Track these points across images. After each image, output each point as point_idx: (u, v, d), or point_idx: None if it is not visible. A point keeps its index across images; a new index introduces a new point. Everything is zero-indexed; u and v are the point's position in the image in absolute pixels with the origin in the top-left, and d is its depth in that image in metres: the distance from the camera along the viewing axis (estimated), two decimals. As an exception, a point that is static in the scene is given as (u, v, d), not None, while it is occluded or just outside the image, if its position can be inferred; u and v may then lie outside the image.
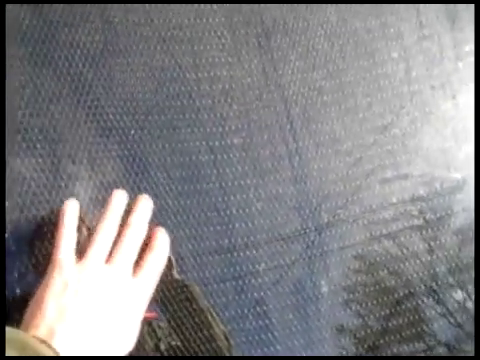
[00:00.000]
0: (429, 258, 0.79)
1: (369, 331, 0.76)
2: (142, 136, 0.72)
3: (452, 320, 0.79)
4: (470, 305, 0.80)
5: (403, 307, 0.77)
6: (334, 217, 0.77)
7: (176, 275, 0.69)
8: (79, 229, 0.63)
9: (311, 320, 0.74)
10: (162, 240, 0.63)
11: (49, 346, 0.52)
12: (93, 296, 0.57)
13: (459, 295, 0.80)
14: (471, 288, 0.80)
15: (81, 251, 0.60)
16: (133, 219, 0.61)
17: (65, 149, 0.69)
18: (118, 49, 0.73)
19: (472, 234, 0.80)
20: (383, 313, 0.76)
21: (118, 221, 0.61)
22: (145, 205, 0.63)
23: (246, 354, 0.71)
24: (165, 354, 0.68)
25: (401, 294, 0.78)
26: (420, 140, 0.82)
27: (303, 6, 0.80)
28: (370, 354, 0.75)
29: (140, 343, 0.66)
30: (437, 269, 0.79)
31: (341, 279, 0.76)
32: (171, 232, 0.69)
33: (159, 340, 0.67)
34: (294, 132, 0.77)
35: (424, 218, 0.80)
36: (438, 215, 0.80)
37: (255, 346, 0.71)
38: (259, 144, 0.76)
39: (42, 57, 0.70)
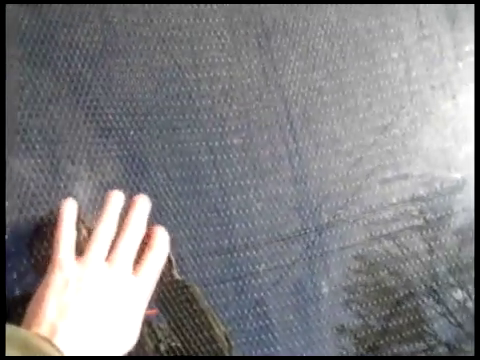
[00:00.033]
0: (429, 258, 0.79)
1: (369, 331, 0.76)
2: (141, 136, 0.71)
3: (452, 320, 0.79)
4: (470, 305, 0.80)
5: (403, 307, 0.77)
6: (334, 217, 0.77)
7: (176, 276, 0.69)
8: (79, 230, 0.63)
9: (311, 320, 0.74)
10: (161, 238, 0.63)
11: (51, 344, 0.52)
12: (94, 294, 0.57)
13: (459, 295, 0.80)
14: (471, 288, 0.80)
15: (81, 251, 0.60)
16: (131, 217, 0.62)
17: (64, 150, 0.69)
18: (117, 49, 0.73)
19: (472, 234, 0.80)
20: (383, 313, 0.76)
21: (116, 220, 0.61)
22: (143, 204, 0.63)
23: (246, 355, 0.71)
24: (165, 355, 0.68)
25: (401, 294, 0.78)
26: (420, 140, 0.82)
27: (303, 6, 0.80)
28: (370, 354, 0.75)
29: (140, 344, 0.65)
30: (437, 269, 0.79)
31: (341, 279, 0.76)
32: (171, 233, 0.69)
33: (159, 341, 0.67)
34: (294, 132, 0.77)
35: (424, 218, 0.80)
36: (438, 215, 0.81)
37: (255, 347, 0.71)
38: (259, 144, 0.76)
39: (41, 57, 0.70)
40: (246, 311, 0.71)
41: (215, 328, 0.69)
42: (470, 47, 0.84)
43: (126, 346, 0.58)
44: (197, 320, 0.69)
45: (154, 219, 0.69)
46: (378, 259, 0.78)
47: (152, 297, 0.63)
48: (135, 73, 0.73)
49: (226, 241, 0.72)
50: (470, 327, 0.79)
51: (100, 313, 0.57)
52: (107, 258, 0.60)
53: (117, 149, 0.70)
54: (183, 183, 0.72)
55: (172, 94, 0.74)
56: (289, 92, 0.78)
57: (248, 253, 0.72)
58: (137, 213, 0.62)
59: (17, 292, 0.63)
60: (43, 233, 0.64)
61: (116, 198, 0.62)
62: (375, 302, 0.76)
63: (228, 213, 0.72)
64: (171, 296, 0.68)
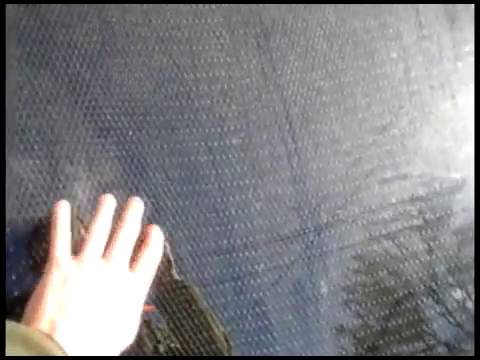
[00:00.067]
0: (428, 258, 0.79)
1: (369, 331, 0.76)
2: (140, 137, 0.71)
3: (452, 320, 0.79)
4: (469, 305, 0.80)
5: (403, 307, 0.77)
6: (333, 217, 0.77)
7: (175, 276, 0.69)
8: (78, 230, 0.63)
9: (310, 321, 0.74)
10: (156, 237, 0.64)
11: (52, 340, 0.52)
12: (93, 290, 0.58)
13: (458, 295, 0.80)
14: (470, 288, 0.80)
15: (77, 250, 0.60)
16: (126, 216, 0.63)
17: (63, 150, 0.68)
18: (116, 49, 0.72)
19: (471, 234, 0.80)
20: (383, 313, 0.76)
21: (110, 219, 0.62)
22: (137, 205, 0.64)
23: (246, 355, 0.71)
24: (164, 356, 0.67)
25: (401, 294, 0.78)
26: (419, 140, 0.82)
27: (302, 6, 0.80)
28: (370, 354, 0.75)
29: (139, 345, 0.66)
30: (436, 269, 0.79)
31: (340, 279, 0.76)
32: (170, 233, 0.69)
33: (158, 342, 0.67)
34: (293, 132, 0.77)
35: (423, 218, 0.80)
36: (437, 215, 0.80)
37: (254, 347, 0.71)
38: (258, 144, 0.76)
39: (39, 58, 0.70)
40: (245, 311, 0.71)
41: (214, 328, 0.69)
42: (469, 47, 0.84)
43: (125, 341, 0.59)
44: (196, 320, 0.69)
45: (153, 219, 0.69)
46: (377, 259, 0.78)
47: (150, 295, 0.64)
48: (134, 73, 0.73)
49: (225, 241, 0.72)
50: (469, 327, 0.79)
51: (99, 309, 0.58)
52: (103, 255, 0.60)
53: (116, 149, 0.70)
54: (182, 183, 0.72)
55: (171, 94, 0.74)
56: (288, 92, 0.78)
57: (247, 253, 0.72)
58: (132, 213, 0.63)
59: (15, 292, 0.63)
60: (42, 233, 0.64)
61: (109, 200, 0.63)
62: (374, 302, 0.76)
63: (227, 213, 0.72)
64: (170, 296, 0.68)
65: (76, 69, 0.71)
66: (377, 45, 0.82)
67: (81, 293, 0.57)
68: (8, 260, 0.64)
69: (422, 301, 0.78)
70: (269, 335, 0.72)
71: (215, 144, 0.74)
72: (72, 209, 0.63)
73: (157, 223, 0.69)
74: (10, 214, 0.65)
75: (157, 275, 0.67)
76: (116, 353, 0.58)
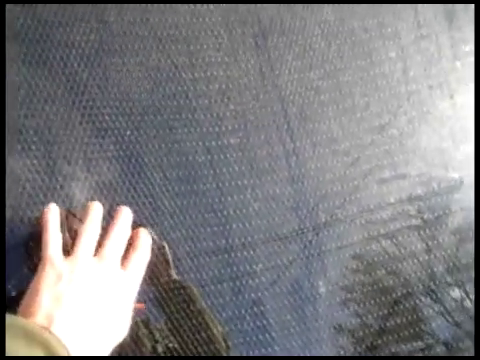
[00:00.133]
0: (427, 257, 0.79)
1: (367, 331, 0.76)
2: (138, 136, 0.71)
3: (450, 319, 0.79)
4: (468, 304, 0.80)
5: (401, 306, 0.77)
6: (332, 217, 0.76)
7: (174, 276, 0.69)
8: (75, 229, 0.64)
9: (309, 320, 0.74)
10: (144, 238, 0.66)
11: (50, 332, 0.53)
12: (86, 285, 0.59)
13: (457, 294, 0.80)
14: (469, 287, 0.80)
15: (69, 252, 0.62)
16: (117, 219, 0.65)
17: (60, 150, 0.68)
18: (113, 49, 0.72)
19: (470, 233, 0.80)
20: (381, 313, 0.76)
21: (100, 220, 0.64)
22: (127, 210, 0.66)
23: (244, 355, 0.71)
24: (162, 356, 0.67)
25: (399, 293, 0.78)
26: (418, 140, 0.82)
27: (300, 5, 0.80)
28: (368, 354, 0.75)
29: (137, 345, 0.66)
30: (435, 268, 0.79)
31: (339, 279, 0.76)
32: (168, 233, 0.69)
33: (156, 342, 0.67)
34: (291, 132, 0.77)
35: (422, 218, 0.80)
36: (436, 215, 0.80)
37: (253, 347, 0.71)
38: (256, 144, 0.76)
39: (37, 57, 0.70)
40: (243, 311, 0.71)
41: (212, 328, 0.69)
42: (468, 47, 0.84)
43: (119, 335, 0.61)
44: (194, 320, 0.69)
45: (151, 219, 0.69)
46: (376, 259, 0.78)
47: (148, 295, 0.66)
48: (131, 73, 0.72)
49: (223, 241, 0.72)
50: (467, 326, 0.79)
51: (93, 303, 0.59)
52: (95, 254, 0.62)
53: (113, 149, 0.70)
54: (180, 183, 0.72)
55: (169, 94, 0.73)
56: (286, 92, 0.77)
57: (245, 253, 0.72)
58: (122, 216, 0.65)
59: (13, 292, 0.63)
60: (39, 234, 0.64)
61: (97, 205, 0.65)
62: (373, 301, 0.76)
63: (225, 213, 0.72)
64: (168, 296, 0.68)
65: (74, 69, 0.70)
66: (375, 44, 0.82)
67: (75, 287, 0.58)
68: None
69: (420, 300, 0.78)
70: (267, 335, 0.72)
71: (213, 144, 0.74)
72: (63, 211, 0.65)
73: (155, 223, 0.69)
74: (8, 214, 0.65)
75: (155, 275, 0.68)
76: (110, 348, 0.59)
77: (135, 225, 0.67)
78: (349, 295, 0.76)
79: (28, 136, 0.68)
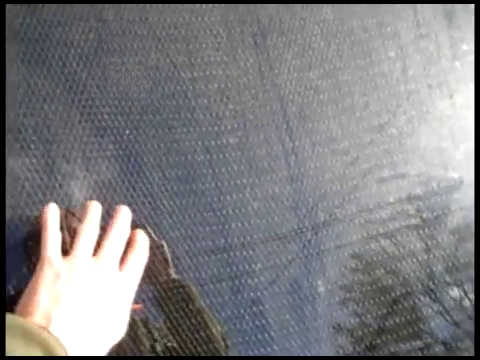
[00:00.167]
0: (426, 257, 0.79)
1: (366, 330, 0.76)
2: (137, 136, 0.71)
3: (449, 318, 0.79)
4: (467, 303, 0.80)
5: (400, 306, 0.77)
6: (331, 216, 0.76)
7: (173, 275, 0.69)
8: (73, 229, 0.64)
9: (308, 320, 0.74)
10: (143, 239, 0.66)
11: (49, 332, 0.54)
12: (85, 284, 0.59)
13: (456, 293, 0.80)
14: (467, 286, 0.80)
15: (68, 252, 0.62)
16: (116, 219, 0.65)
17: (59, 149, 0.68)
18: (112, 48, 0.72)
19: (469, 233, 0.80)
20: (380, 312, 0.76)
21: (98, 220, 0.64)
22: (126, 211, 0.66)
23: (243, 354, 0.71)
24: (161, 355, 0.67)
25: (398, 293, 0.78)
26: (417, 139, 0.82)
27: (299, 5, 0.80)
28: (367, 353, 0.75)
29: (136, 344, 0.66)
30: (434, 268, 0.79)
31: (338, 278, 0.76)
32: (167, 232, 0.69)
33: (155, 341, 0.67)
34: (290, 131, 0.77)
35: (421, 217, 0.80)
36: (435, 214, 0.80)
37: (252, 346, 0.71)
38: (255, 143, 0.76)
39: (36, 56, 0.69)
40: (242, 310, 0.71)
41: (211, 328, 0.69)
42: (467, 46, 0.84)
43: (117, 335, 0.61)
44: (193, 320, 0.69)
45: (150, 218, 0.69)
46: (375, 258, 0.77)
47: (147, 294, 0.66)
48: (130, 72, 0.72)
49: (222, 240, 0.72)
50: (466, 325, 0.79)
51: (91, 303, 0.59)
52: (94, 255, 0.62)
53: (112, 148, 0.70)
54: (179, 182, 0.72)
55: (167, 93, 0.73)
56: (285, 91, 0.77)
57: (244, 252, 0.72)
58: (121, 217, 0.65)
59: (12, 293, 0.63)
60: (37, 233, 0.64)
61: (95, 205, 0.66)
62: (372, 301, 0.76)
63: (224, 212, 0.72)
64: (167, 296, 0.68)
65: (72, 68, 0.70)
66: (375, 44, 0.82)
67: (74, 287, 0.58)
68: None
69: (419, 300, 0.78)
70: (266, 334, 0.72)
71: (212, 143, 0.74)
72: (62, 210, 0.65)
73: (154, 222, 0.69)
74: (6, 213, 0.65)
75: (154, 274, 0.68)
76: (108, 348, 0.59)
77: (134, 224, 0.67)
78: (348, 294, 0.76)
79: (27, 135, 0.68)
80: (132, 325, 0.64)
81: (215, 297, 0.71)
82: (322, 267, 0.75)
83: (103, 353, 0.59)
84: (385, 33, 0.82)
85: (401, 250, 0.78)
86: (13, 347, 0.50)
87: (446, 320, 0.79)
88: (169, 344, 0.68)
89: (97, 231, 0.64)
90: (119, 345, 0.61)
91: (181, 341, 0.68)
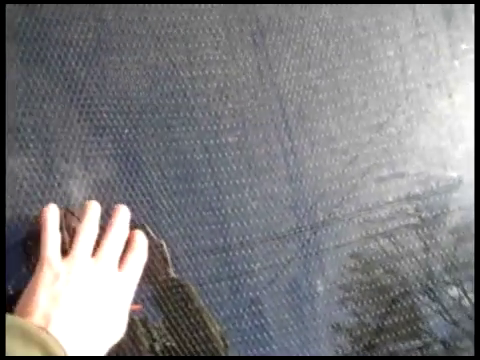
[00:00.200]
0: (425, 256, 0.79)
1: (365, 330, 0.76)
2: (136, 135, 0.71)
3: (448, 318, 0.79)
4: (466, 303, 0.80)
5: (399, 305, 0.77)
6: (330, 216, 0.76)
7: (172, 274, 0.69)
8: (73, 228, 0.64)
9: (307, 319, 0.74)
10: (141, 239, 0.66)
11: (48, 333, 0.53)
12: (84, 285, 0.59)
13: (455, 293, 0.80)
14: (467, 286, 0.80)
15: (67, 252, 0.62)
16: (115, 219, 0.65)
17: (58, 148, 0.68)
18: (111, 47, 0.72)
19: (468, 232, 0.80)
20: (379, 312, 0.76)
21: (97, 221, 0.64)
22: (124, 210, 0.66)
23: (242, 354, 0.71)
24: (160, 355, 0.67)
25: (397, 292, 0.78)
26: (416, 139, 0.81)
27: (298, 4, 0.80)
28: (366, 353, 0.75)
29: (135, 344, 0.66)
30: (433, 267, 0.79)
31: (337, 278, 0.76)
32: (166, 231, 0.69)
33: (154, 341, 0.67)
34: (289, 131, 0.77)
35: (420, 217, 0.80)
36: (434, 213, 0.80)
37: (251, 346, 0.71)
38: (254, 143, 0.75)
39: (34, 56, 0.69)
40: (241, 310, 0.71)
41: (210, 327, 0.69)
42: (466, 45, 0.84)
43: (116, 336, 0.61)
44: (192, 319, 0.69)
45: (149, 217, 0.69)
46: (374, 257, 0.77)
47: (146, 294, 0.66)
48: (129, 71, 0.72)
49: (221, 240, 0.72)
50: (465, 325, 0.79)
51: (90, 303, 0.59)
52: (93, 255, 0.62)
53: (111, 147, 0.70)
54: (178, 181, 0.72)
55: (166, 92, 0.73)
56: (284, 90, 0.77)
57: (243, 252, 0.72)
58: (119, 217, 0.65)
59: (11, 292, 0.63)
60: (36, 232, 0.64)
61: (95, 205, 0.66)
62: (371, 300, 0.76)
63: (223, 212, 0.72)
64: (166, 295, 0.68)
65: (71, 67, 0.70)
66: (374, 43, 0.82)
67: (73, 287, 0.59)
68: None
69: (418, 299, 0.78)
70: (265, 334, 0.72)
71: (211, 142, 0.74)
72: (61, 210, 0.65)
73: (153, 221, 0.69)
74: (6, 212, 0.65)
75: (153, 273, 0.68)
76: (106, 348, 0.60)
77: (133, 224, 0.67)
78: (347, 294, 0.76)
79: (26, 134, 0.68)
80: (131, 325, 0.64)
81: (214, 296, 0.70)
82: (321, 266, 0.75)
83: (102, 353, 0.59)
84: (384, 32, 0.82)
85: (400, 249, 0.79)
86: (12, 347, 0.50)
87: (445, 319, 0.79)
88: (168, 344, 0.68)
89: (96, 231, 0.64)
90: (118, 345, 0.61)
91: (180, 341, 0.68)
